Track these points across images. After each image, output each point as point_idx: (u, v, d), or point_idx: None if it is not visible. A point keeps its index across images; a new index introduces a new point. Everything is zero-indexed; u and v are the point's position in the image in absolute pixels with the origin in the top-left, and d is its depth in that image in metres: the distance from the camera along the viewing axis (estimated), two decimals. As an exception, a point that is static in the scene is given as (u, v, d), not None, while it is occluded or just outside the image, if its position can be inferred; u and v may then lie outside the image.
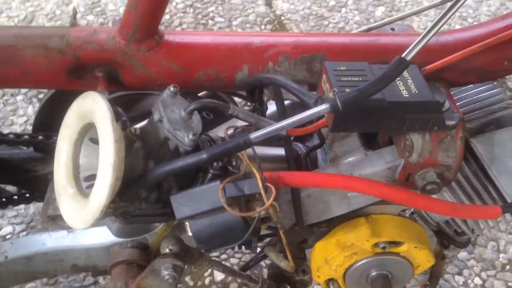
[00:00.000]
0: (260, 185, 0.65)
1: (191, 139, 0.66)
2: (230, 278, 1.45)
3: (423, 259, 0.93)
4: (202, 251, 0.84)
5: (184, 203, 0.68)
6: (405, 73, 0.73)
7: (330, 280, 0.97)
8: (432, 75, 0.77)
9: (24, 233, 1.40)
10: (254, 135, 0.65)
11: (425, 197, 0.75)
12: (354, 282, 0.96)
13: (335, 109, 0.62)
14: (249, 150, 0.69)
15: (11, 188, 1.21)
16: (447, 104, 0.73)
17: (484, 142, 0.82)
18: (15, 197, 1.19)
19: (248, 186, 0.67)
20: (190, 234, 0.73)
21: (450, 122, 0.72)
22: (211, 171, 0.70)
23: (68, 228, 0.95)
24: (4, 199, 1.19)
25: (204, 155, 0.65)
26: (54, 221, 0.98)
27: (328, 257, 0.91)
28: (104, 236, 0.92)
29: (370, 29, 0.89)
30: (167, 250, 0.83)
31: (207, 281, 1.52)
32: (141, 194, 0.74)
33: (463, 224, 0.97)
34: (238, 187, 0.67)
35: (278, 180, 0.69)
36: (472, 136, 0.83)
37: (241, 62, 0.77)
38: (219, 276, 1.52)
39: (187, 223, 0.74)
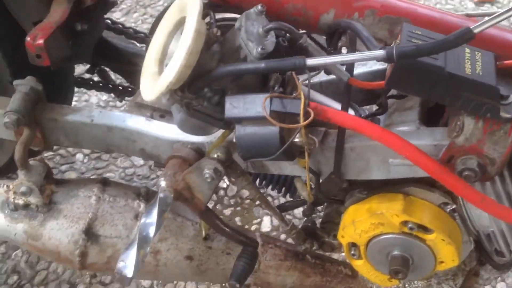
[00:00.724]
0: (302, 106, 0.72)
1: (259, 52, 0.74)
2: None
3: (448, 256, 0.93)
4: (243, 168, 0.93)
5: (235, 105, 0.77)
6: (478, 56, 0.74)
7: (353, 246, 1.01)
8: (510, 71, 0.77)
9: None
10: (309, 60, 0.71)
11: (455, 177, 0.76)
12: (374, 254, 0.98)
13: (390, 58, 0.66)
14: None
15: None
16: (511, 98, 0.73)
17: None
18: (120, 87, 1.37)
19: (292, 105, 0.73)
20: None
21: (505, 115, 0.72)
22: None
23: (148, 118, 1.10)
24: (110, 86, 1.38)
25: (262, 64, 0.72)
26: (139, 108, 1.13)
27: (356, 219, 0.95)
28: (172, 132, 1.05)
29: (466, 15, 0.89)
30: (215, 156, 0.93)
31: (253, 227, 1.62)
32: (206, 93, 0.84)
33: (503, 243, 0.95)
34: (283, 104, 0.74)
35: (321, 112, 0.74)
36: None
37: (329, 4, 0.82)
38: (266, 227, 1.60)
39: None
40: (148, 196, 1.09)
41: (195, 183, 0.96)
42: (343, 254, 1.51)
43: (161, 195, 0.93)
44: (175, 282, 1.46)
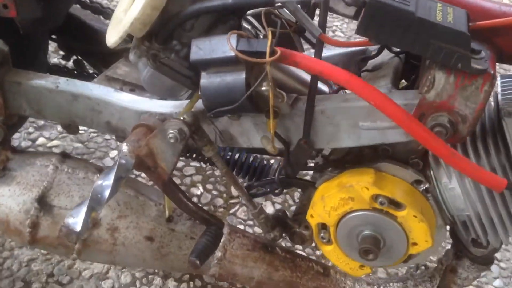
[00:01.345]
0: (269, 43, 0.69)
1: None
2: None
3: (421, 235, 0.88)
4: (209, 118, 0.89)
5: (201, 47, 0.74)
6: (450, 10, 0.73)
7: (323, 228, 0.96)
8: (482, 33, 0.76)
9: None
10: None
11: (424, 127, 0.73)
12: (344, 237, 0.93)
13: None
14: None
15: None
16: (483, 54, 0.71)
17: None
18: (95, 75, 1.34)
19: (258, 44, 0.71)
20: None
21: (477, 66, 0.70)
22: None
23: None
24: (85, 74, 1.35)
25: (230, 0, 0.71)
26: (109, 81, 1.09)
27: (325, 194, 0.91)
28: (141, 104, 1.01)
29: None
30: (182, 118, 0.89)
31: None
32: (175, 46, 0.82)
33: (479, 229, 0.90)
34: (250, 43, 0.71)
35: (289, 55, 0.71)
36: (507, 116, 0.79)
37: None
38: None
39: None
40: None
41: (159, 149, 0.92)
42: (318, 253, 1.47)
43: (121, 160, 0.88)
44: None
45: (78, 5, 1.27)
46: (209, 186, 1.74)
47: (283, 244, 1.41)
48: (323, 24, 0.78)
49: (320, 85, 0.96)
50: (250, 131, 0.93)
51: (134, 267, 1.35)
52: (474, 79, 0.72)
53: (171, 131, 0.87)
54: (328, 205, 0.91)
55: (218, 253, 1.06)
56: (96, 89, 1.03)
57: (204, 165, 1.76)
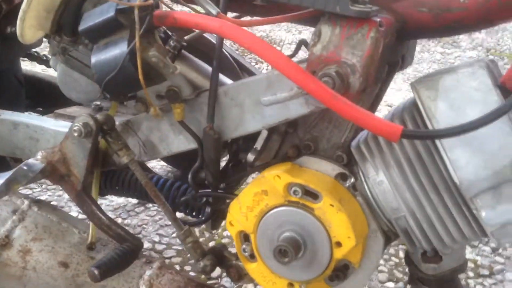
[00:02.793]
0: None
1: None
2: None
3: (341, 230, 0.75)
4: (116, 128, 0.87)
5: (88, 16, 0.76)
6: None
7: (245, 240, 0.85)
8: (382, 2, 0.74)
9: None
10: None
11: (304, 71, 0.67)
12: (265, 246, 0.82)
13: None
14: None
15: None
16: (369, 5, 0.70)
17: (428, 87, 0.72)
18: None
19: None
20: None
21: (356, 9, 0.67)
22: None
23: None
24: None
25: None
26: (56, 117, 1.11)
27: (240, 194, 0.82)
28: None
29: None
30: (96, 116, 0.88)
31: None
32: (84, 40, 0.85)
33: (420, 235, 0.77)
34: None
35: (167, 13, 0.71)
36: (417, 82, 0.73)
37: None
38: None
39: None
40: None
41: (71, 152, 0.89)
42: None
43: (25, 164, 0.86)
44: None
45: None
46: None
47: None
48: (223, 5, 0.79)
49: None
50: (168, 134, 0.90)
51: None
52: (360, 27, 0.69)
53: (76, 124, 0.85)
54: (244, 204, 0.82)
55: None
56: (36, 118, 1.05)
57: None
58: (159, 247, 1.63)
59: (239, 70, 0.99)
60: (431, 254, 0.80)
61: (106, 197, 1.80)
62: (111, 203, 1.78)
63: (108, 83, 0.75)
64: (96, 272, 0.81)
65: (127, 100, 0.87)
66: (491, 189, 0.68)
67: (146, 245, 1.59)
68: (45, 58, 1.34)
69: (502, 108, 0.60)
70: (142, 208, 1.78)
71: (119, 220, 1.69)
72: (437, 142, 0.70)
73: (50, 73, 1.41)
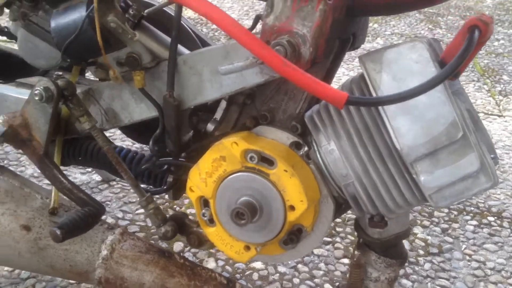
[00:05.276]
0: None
1: None
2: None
3: (294, 194, 0.81)
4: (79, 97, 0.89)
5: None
6: None
7: (205, 205, 0.89)
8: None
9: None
10: None
11: (256, 39, 0.71)
12: (223, 210, 0.86)
13: None
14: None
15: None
16: None
17: (373, 60, 0.77)
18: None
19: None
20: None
21: None
22: None
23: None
24: None
25: None
26: (18, 86, 1.11)
27: (199, 161, 0.86)
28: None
29: None
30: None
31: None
32: (45, 5, 0.86)
33: (366, 199, 0.82)
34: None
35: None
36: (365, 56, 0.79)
37: None
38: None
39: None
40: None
41: (32, 118, 0.91)
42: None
43: None
44: None
45: None
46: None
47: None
48: None
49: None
50: (130, 103, 0.92)
51: (10, 265, 1.20)
52: (310, 1, 0.73)
53: (37, 89, 0.87)
54: (203, 170, 0.86)
55: (104, 252, 0.97)
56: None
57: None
58: (122, 223, 1.65)
59: (199, 43, 1.02)
60: (377, 219, 0.86)
61: (70, 174, 1.82)
62: (74, 180, 1.79)
63: (68, 47, 0.77)
64: (58, 232, 0.84)
65: (87, 66, 0.89)
66: (429, 155, 0.74)
67: (110, 221, 1.61)
68: (6, 30, 1.33)
69: (437, 78, 0.65)
70: (105, 185, 1.79)
71: (82, 196, 1.69)
72: (381, 111, 0.76)
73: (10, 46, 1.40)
